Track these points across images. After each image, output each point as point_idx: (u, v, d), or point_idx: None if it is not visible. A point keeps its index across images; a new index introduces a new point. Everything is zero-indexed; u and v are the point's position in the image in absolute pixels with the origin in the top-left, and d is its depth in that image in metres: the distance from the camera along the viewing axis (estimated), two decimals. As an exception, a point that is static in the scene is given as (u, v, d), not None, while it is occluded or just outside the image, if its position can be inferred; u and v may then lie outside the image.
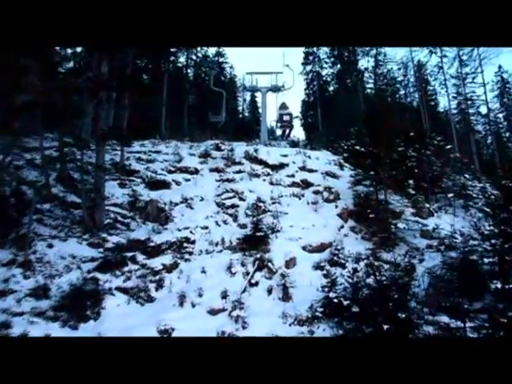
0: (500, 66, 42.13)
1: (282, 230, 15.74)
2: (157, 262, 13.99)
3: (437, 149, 19.72)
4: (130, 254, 14.13)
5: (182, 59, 42.33)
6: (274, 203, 17.34)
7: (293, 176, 19.54)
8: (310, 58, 45.21)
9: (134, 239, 14.82)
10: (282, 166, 20.32)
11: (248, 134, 33.00)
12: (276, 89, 28.92)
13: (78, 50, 22.65)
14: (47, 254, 13.47)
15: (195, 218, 16.28)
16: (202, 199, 17.66)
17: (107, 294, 12.48)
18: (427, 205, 18.38)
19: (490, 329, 9.82)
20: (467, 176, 20.51)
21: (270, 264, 13.91)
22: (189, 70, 42.99)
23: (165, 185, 18.39)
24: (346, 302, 11.37)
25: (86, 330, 11.10)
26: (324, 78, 45.56)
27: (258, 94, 34.44)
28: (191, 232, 15.48)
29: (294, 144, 39.15)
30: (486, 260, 12.45)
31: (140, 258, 14.13)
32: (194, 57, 43.33)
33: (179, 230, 15.42)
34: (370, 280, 12.87)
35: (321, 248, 15.21)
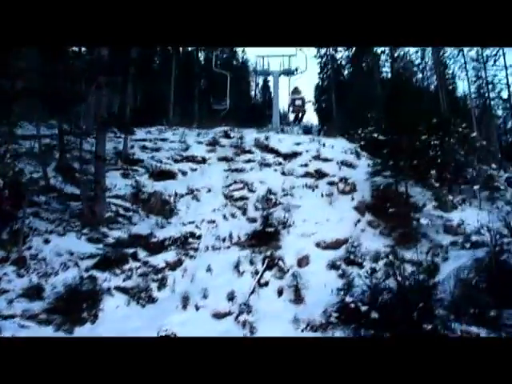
0: (524, 48, 39.66)
1: (294, 224, 14.69)
2: (159, 259, 13.13)
3: (461, 136, 18.26)
4: (131, 251, 13.27)
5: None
6: (285, 195, 16.23)
7: (306, 166, 18.31)
8: (325, 40, 43.73)
9: (136, 234, 13.93)
10: (294, 154, 19.07)
11: (260, 119, 31.99)
12: (289, 72, 27.49)
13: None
14: (43, 251, 12.59)
15: (201, 211, 15.30)
16: (210, 190, 16.64)
17: (105, 295, 11.66)
18: (450, 197, 17.07)
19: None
20: (493, 166, 19.03)
21: (280, 262, 12.93)
22: (199, 54, 41.86)
23: (170, 175, 17.36)
24: (363, 308, 10.38)
25: (82, 334, 10.35)
26: (338, 62, 44.09)
27: (271, 79, 33.02)
28: (197, 226, 14.53)
29: (307, 129, 38.04)
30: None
31: (142, 254, 13.26)
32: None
33: (184, 225, 14.48)
34: (391, 282, 11.88)
35: (336, 245, 14.12)
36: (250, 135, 20.66)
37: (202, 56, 42.47)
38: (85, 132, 14.42)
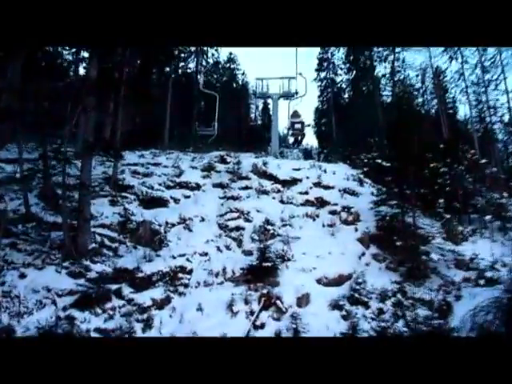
0: (525, 72, 39.23)
1: (293, 258, 13.59)
2: (146, 297, 11.91)
3: (470, 163, 17.35)
4: (115, 287, 12.06)
5: (192, 65, 41.00)
6: (284, 225, 15.15)
7: (306, 193, 17.28)
8: (324, 64, 43.84)
9: (121, 268, 12.74)
10: (294, 181, 18.06)
11: (259, 142, 31.32)
12: (288, 95, 26.88)
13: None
14: (17, 287, 11.37)
15: (194, 243, 14.16)
16: (203, 220, 15.53)
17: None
18: (460, 228, 16.03)
19: None
20: (505, 194, 18.03)
21: (278, 302, 11.74)
22: (199, 76, 41.48)
23: (161, 202, 16.28)
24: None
25: None
26: (338, 85, 43.86)
27: (271, 102, 32.43)
28: (188, 260, 13.39)
29: (307, 152, 37.39)
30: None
31: (126, 291, 12.04)
32: (204, 62, 41.94)
33: (174, 258, 13.33)
34: (400, 325, 10.76)
35: (339, 281, 13.00)
36: (248, 160, 19.69)
37: (201, 78, 42.17)
38: (66, 158, 13.29)
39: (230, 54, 47.10)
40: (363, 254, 14.42)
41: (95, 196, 15.79)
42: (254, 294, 12.04)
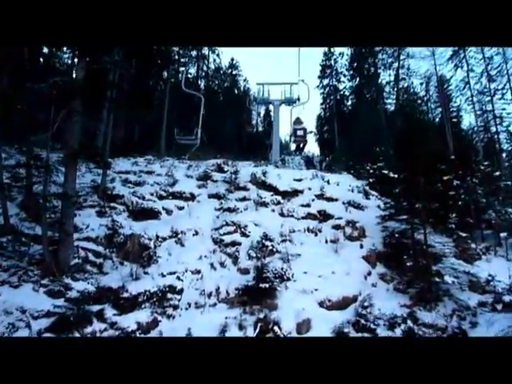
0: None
1: (293, 277, 12.46)
2: (130, 320, 10.79)
3: (484, 176, 16.23)
4: (96, 308, 10.95)
5: (193, 70, 40.19)
6: (284, 241, 14.04)
7: (308, 206, 16.18)
8: (327, 71, 43.10)
9: (105, 287, 11.67)
10: (295, 192, 16.98)
11: (260, 149, 30.49)
12: (290, 101, 26.07)
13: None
14: (-13, 308, 10.32)
15: (185, 259, 13.05)
16: (196, 233, 14.42)
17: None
18: (473, 245, 14.90)
19: None
20: (519, 209, 16.92)
21: (276, 328, 10.57)
22: (199, 82, 40.64)
23: (152, 214, 15.20)
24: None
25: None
26: (341, 92, 43.02)
27: (272, 108, 31.57)
28: (178, 278, 12.27)
29: (308, 160, 36.54)
30: None
31: (109, 313, 10.93)
32: (205, 68, 41.15)
33: (163, 276, 12.22)
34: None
35: (343, 304, 11.87)
36: (246, 169, 18.64)
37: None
38: (48, 165, 12.21)
39: (232, 59, 46.50)
40: (369, 274, 13.31)
41: (82, 207, 14.78)
42: (249, 318, 10.94)
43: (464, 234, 14.21)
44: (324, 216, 15.70)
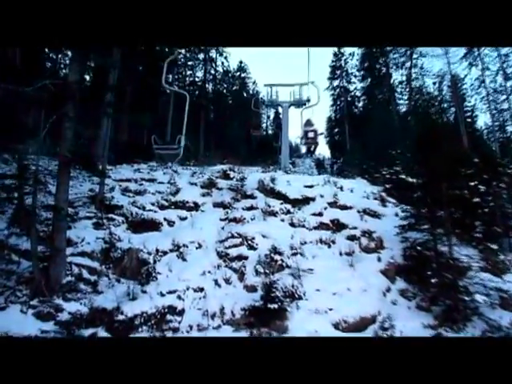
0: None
1: (304, 296, 11.30)
2: (125, 346, 9.72)
3: (511, 180, 14.92)
4: (89, 332, 9.96)
5: (200, 74, 39.40)
6: (294, 254, 12.88)
7: (320, 215, 15.00)
8: (337, 72, 42.22)
9: (99, 308, 10.67)
10: (306, 200, 15.78)
11: (269, 153, 30.71)
12: (300, 103, 25.02)
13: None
14: (-30, 333, 9.38)
15: (187, 275, 11.98)
16: (200, 246, 13.36)
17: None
18: (502, 256, 13.63)
19: None
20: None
21: (287, 354, 9.44)
22: (207, 85, 39.83)
23: (153, 225, 14.17)
24: None
25: None
26: (352, 94, 42.01)
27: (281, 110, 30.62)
28: (179, 297, 11.20)
29: (319, 162, 35.53)
30: None
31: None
32: (212, 71, 40.34)
33: (162, 295, 11.15)
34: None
35: (360, 325, 10.69)
36: (253, 175, 17.55)
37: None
38: (36, 176, 11.28)
39: (241, 62, 45.80)
40: (388, 290, 12.12)
41: (78, 218, 13.85)
42: (257, 343, 9.82)
43: (493, 246, 12.93)
44: (337, 226, 14.52)
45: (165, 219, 14.52)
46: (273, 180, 16.59)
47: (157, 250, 12.86)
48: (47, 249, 11.62)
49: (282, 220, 14.80)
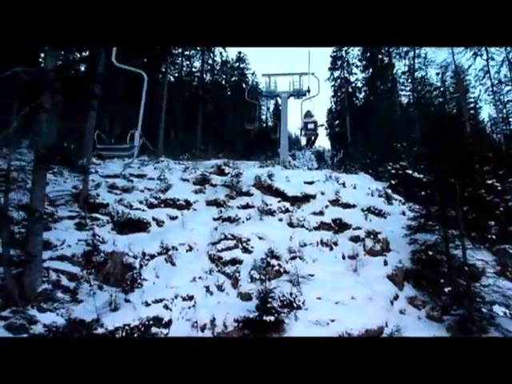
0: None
1: (304, 305, 10.29)
2: (104, 363, 8.71)
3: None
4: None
5: (197, 63, 38.21)
6: (293, 258, 11.87)
7: (321, 214, 13.97)
8: (338, 62, 41.05)
9: (77, 320, 9.64)
10: (306, 198, 14.70)
11: (268, 145, 30.07)
12: (299, 94, 24.02)
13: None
14: None
15: (176, 282, 10.97)
16: (190, 249, 12.33)
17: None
18: (519, 260, 12.60)
19: None
20: None
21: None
22: (204, 76, 38.64)
23: (140, 225, 13.09)
24: None
25: None
26: (353, 85, 40.85)
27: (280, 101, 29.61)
28: (166, 307, 10.18)
29: (319, 154, 34.51)
30: None
31: (79, 354, 8.88)
32: (210, 61, 39.18)
33: (147, 304, 10.11)
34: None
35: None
36: (250, 171, 16.46)
37: (207, 77, 39.47)
38: (7, 174, 10.18)
39: (239, 53, 44.68)
40: (396, 298, 11.12)
41: (59, 217, 12.80)
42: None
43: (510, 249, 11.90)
44: (340, 226, 13.49)
45: (153, 219, 13.45)
46: (270, 176, 15.49)
47: (143, 254, 11.82)
48: (22, 253, 10.59)
49: (280, 220, 13.74)
